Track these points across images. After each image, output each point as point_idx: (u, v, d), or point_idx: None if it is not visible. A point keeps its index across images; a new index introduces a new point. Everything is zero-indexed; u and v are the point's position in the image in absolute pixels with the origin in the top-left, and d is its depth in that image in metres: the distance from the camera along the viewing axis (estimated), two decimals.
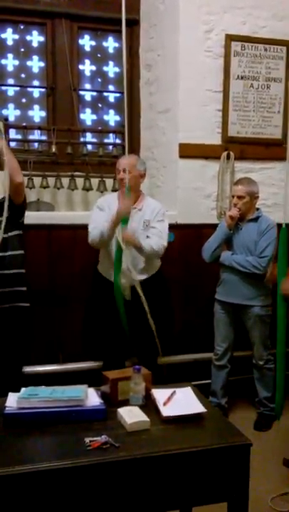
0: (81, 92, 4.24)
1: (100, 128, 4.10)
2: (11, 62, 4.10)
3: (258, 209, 3.41)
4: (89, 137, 4.12)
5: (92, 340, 3.49)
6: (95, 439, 1.71)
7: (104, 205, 3.18)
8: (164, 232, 3.14)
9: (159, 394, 2.02)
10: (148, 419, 1.84)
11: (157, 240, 3.07)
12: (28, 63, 4.14)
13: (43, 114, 4.18)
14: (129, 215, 2.98)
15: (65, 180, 3.86)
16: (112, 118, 4.36)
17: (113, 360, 3.08)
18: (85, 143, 3.97)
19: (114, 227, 2.98)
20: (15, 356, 2.87)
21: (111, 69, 4.33)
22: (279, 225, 3.34)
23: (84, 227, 3.32)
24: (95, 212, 3.19)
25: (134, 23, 4.15)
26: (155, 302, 3.19)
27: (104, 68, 4.31)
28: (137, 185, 3.17)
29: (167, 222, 3.24)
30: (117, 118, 4.36)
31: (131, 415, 1.85)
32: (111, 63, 4.33)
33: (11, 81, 4.12)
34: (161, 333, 3.19)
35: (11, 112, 4.12)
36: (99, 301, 3.27)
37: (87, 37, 4.25)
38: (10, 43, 4.08)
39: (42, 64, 4.16)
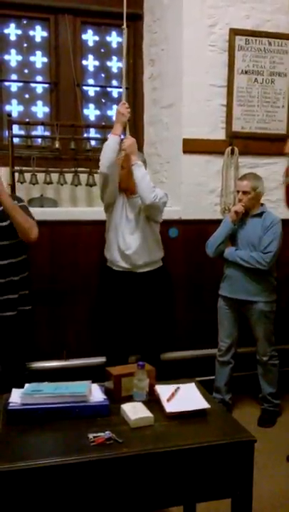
0: (84, 88, 4.23)
1: (103, 123, 4.08)
2: (14, 58, 4.09)
3: (262, 204, 3.39)
4: (92, 133, 4.12)
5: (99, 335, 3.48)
6: (98, 434, 1.71)
7: None
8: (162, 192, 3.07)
9: (163, 390, 2.02)
10: (152, 415, 1.84)
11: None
12: (31, 59, 4.13)
13: (47, 109, 4.17)
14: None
15: (69, 176, 3.85)
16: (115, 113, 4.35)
17: (117, 356, 3.07)
18: (89, 138, 3.96)
19: (116, 132, 3.06)
20: (17, 356, 2.87)
21: (114, 64, 4.32)
22: (283, 221, 3.35)
23: (88, 223, 3.31)
24: None
25: (137, 18, 4.13)
26: (158, 297, 3.19)
27: (108, 63, 4.30)
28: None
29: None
30: None
31: (134, 411, 1.85)
32: (114, 58, 4.31)
33: (14, 76, 4.11)
34: (163, 328, 3.16)
35: (14, 108, 4.12)
36: (105, 295, 3.26)
37: (90, 32, 4.24)
38: (13, 38, 4.07)
39: (45, 59, 4.15)
